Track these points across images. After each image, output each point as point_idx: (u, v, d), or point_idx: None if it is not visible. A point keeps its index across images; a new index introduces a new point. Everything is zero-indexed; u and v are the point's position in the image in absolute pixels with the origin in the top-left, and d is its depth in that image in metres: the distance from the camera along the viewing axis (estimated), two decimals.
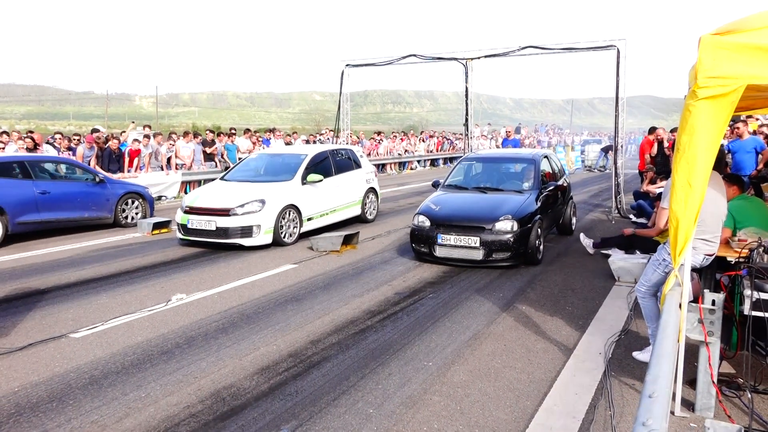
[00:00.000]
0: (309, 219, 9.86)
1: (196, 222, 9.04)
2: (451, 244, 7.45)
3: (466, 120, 17.49)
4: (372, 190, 11.84)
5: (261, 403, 3.93)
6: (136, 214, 11.64)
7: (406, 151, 27.29)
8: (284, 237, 9.25)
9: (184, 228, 9.24)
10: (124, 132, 17.14)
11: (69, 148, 14.42)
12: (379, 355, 4.76)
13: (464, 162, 9.61)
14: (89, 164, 13.81)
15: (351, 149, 12.12)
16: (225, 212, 8.92)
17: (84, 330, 5.38)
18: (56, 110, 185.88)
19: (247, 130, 19.16)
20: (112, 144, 14.16)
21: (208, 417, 3.75)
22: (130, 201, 11.49)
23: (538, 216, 7.84)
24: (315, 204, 10.01)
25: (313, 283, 7.01)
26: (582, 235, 8.84)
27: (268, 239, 9.01)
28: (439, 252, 7.55)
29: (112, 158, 14.14)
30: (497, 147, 30.57)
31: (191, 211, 9.24)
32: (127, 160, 14.57)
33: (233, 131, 18.20)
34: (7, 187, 9.59)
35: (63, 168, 10.88)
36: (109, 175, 12.33)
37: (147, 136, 15.07)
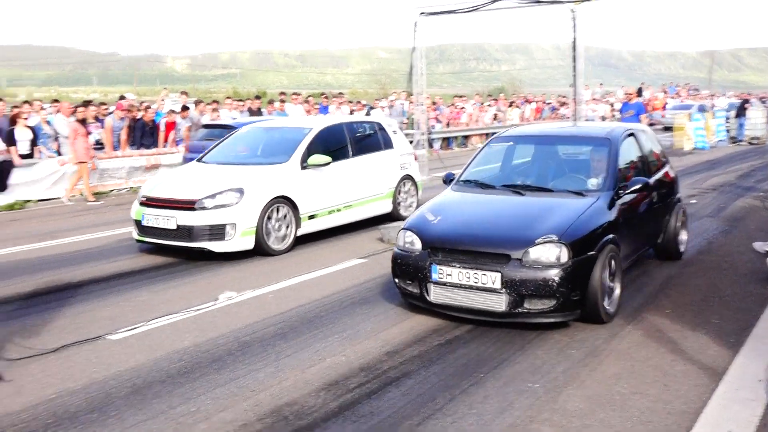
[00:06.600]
0: (311, 217, 8.93)
1: (153, 218, 8.26)
2: (454, 283, 5.58)
3: (574, 80, 17.05)
4: (408, 178, 10.77)
5: (330, 424, 4.04)
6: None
7: (495, 118, 26.97)
8: (271, 241, 8.34)
9: (138, 226, 8.52)
10: (163, 101, 17.85)
11: (96, 118, 15.15)
12: (471, 372, 4.77)
13: (495, 144, 7.58)
14: (119, 138, 14.55)
15: (379, 122, 11.14)
16: (189, 205, 8.08)
17: (123, 331, 5.70)
18: (78, 74, 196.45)
19: (295, 94, 19.46)
20: (146, 115, 14.81)
21: None
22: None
23: (611, 236, 5.85)
24: (320, 196, 9.05)
25: (387, 282, 7.06)
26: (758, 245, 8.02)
27: (248, 243, 8.13)
28: (435, 295, 5.71)
29: (146, 131, 14.81)
30: (612, 113, 29.65)
31: (148, 202, 8.47)
32: (162, 133, 15.21)
33: (285, 96, 18.54)
34: None
35: None
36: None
37: (186, 108, 15.63)
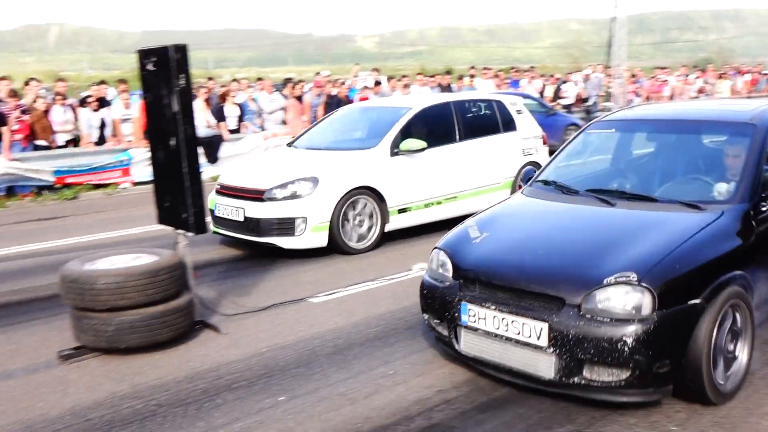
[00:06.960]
0: (402, 210, 7.94)
1: (223, 208, 7.68)
2: (487, 331, 4.09)
3: None
4: (533, 164, 9.01)
5: (526, 400, 4.05)
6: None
7: (701, 91, 24.94)
8: (348, 239, 7.51)
9: (212, 215, 7.83)
10: (356, 77, 18.67)
11: (297, 97, 16.14)
12: None
13: (593, 131, 5.72)
14: (316, 114, 15.43)
15: (500, 100, 9.48)
16: (258, 195, 7.39)
17: (323, 295, 6.14)
18: (275, 55, 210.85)
19: (486, 69, 19.29)
20: (341, 92, 15.54)
21: (464, 406, 4.02)
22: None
23: (736, 273, 3.97)
24: (414, 186, 8.02)
25: None
26: None
27: (320, 240, 7.32)
28: (466, 343, 4.27)
29: (341, 107, 15.52)
30: None
31: (221, 190, 7.91)
32: None
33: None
34: None
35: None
36: None
37: (378, 83, 16.19)
